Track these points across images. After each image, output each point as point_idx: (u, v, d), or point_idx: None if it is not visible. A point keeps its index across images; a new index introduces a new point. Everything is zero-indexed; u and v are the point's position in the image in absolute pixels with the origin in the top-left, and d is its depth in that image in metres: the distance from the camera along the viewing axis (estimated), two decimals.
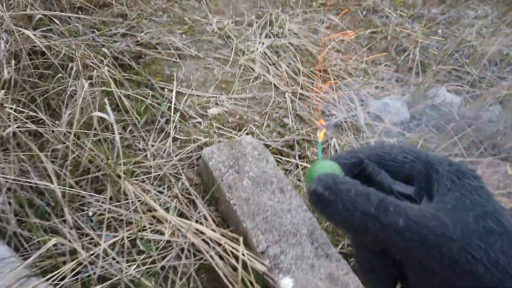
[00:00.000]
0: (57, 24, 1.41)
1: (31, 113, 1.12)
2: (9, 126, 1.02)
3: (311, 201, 0.27)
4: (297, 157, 1.36)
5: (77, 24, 1.49)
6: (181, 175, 1.19)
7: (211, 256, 1.00)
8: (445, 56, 1.94)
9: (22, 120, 1.08)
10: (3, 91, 1.07)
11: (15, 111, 1.08)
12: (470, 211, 0.24)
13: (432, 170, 0.28)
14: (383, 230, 0.24)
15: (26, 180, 0.99)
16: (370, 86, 1.77)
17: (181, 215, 1.09)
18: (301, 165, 1.33)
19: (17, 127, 1.04)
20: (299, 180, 1.29)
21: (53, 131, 1.09)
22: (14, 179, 0.98)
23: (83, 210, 1.05)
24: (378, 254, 0.28)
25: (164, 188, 1.15)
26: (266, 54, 1.81)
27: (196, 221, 1.08)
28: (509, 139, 1.52)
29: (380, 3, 2.44)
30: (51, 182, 0.97)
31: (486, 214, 0.24)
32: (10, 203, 0.97)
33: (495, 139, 1.54)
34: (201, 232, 1.03)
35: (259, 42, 1.86)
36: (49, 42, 1.30)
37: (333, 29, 2.14)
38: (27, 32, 1.23)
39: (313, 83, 1.73)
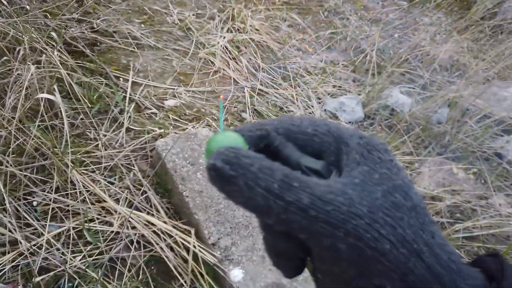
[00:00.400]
0: (5, 5, 1.33)
1: None
2: None
3: (209, 177, 0.24)
4: None
5: (27, 6, 1.41)
6: (133, 166, 1.17)
7: (161, 248, 0.98)
8: (400, 59, 2.02)
9: None
10: None
11: None
12: (378, 185, 0.23)
13: (342, 143, 0.26)
14: (286, 209, 0.22)
15: None
16: (327, 85, 1.81)
17: (131, 206, 1.07)
18: None
19: None
20: None
21: None
22: None
23: (27, 200, 1.00)
24: (283, 235, 0.25)
25: (115, 179, 1.12)
26: (226, 49, 1.80)
27: (148, 213, 1.06)
28: (455, 139, 1.61)
29: (341, 5, 2.50)
30: None
31: (395, 188, 0.23)
32: None
33: (442, 139, 1.62)
34: (152, 224, 1.01)
35: (220, 36, 1.85)
36: None
37: (294, 28, 2.17)
38: None
39: (272, 79, 1.74)
